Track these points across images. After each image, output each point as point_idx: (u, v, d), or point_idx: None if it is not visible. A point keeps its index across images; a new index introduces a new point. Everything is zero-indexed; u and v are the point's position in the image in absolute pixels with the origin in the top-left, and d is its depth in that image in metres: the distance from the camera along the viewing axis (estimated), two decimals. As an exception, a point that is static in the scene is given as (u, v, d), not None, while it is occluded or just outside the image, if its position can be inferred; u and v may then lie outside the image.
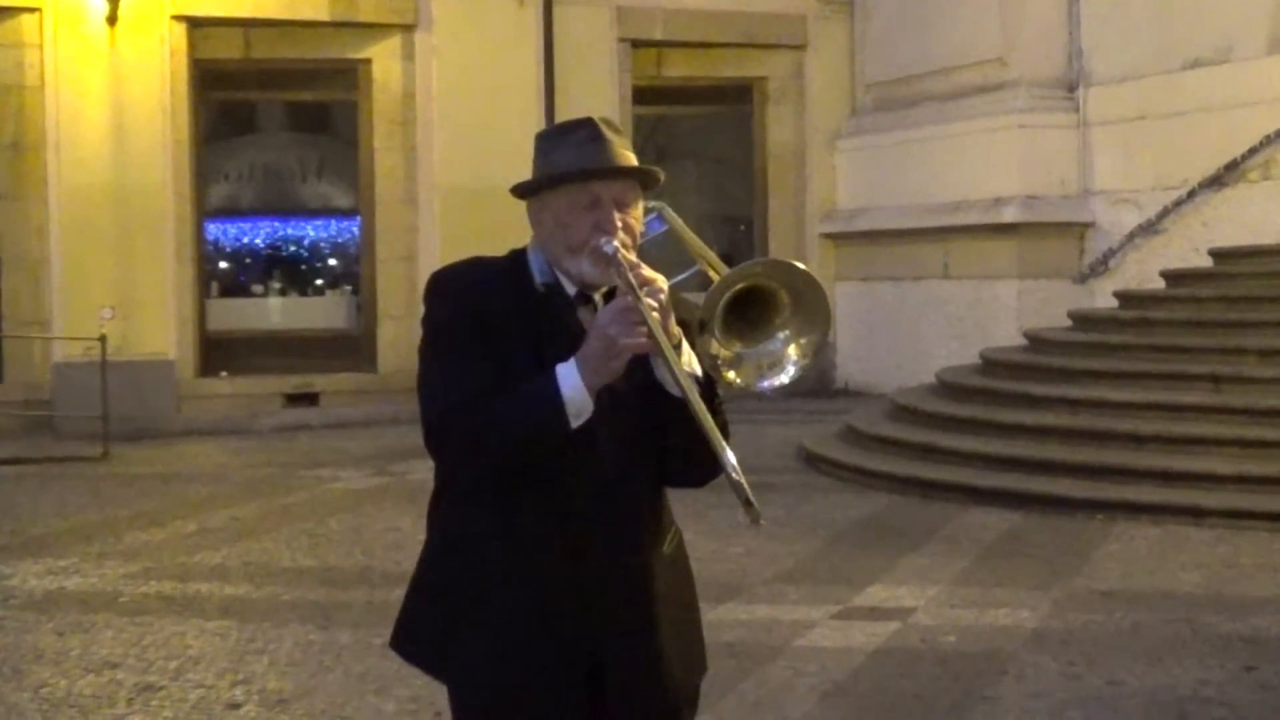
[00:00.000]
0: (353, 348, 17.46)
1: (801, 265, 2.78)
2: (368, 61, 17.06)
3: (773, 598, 8.00)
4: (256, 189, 20.00)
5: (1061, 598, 7.86)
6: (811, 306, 2.80)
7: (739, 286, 2.75)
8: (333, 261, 19.51)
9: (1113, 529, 9.57)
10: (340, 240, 19.16)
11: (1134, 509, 9.82)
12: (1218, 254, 13.47)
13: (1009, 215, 15.96)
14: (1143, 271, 14.93)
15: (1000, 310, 16.10)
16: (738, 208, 20.05)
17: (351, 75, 17.31)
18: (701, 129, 20.65)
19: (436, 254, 16.74)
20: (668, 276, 2.97)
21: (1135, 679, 6.45)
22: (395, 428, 15.29)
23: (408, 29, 16.89)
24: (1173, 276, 13.50)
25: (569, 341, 2.95)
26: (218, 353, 17.02)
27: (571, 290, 3.06)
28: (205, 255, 17.46)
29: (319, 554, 9.38)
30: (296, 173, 20.10)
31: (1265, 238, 13.38)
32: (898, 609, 7.65)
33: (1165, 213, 15.05)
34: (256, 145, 20.10)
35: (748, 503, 2.73)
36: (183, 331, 16.25)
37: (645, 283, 2.88)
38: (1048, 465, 10.69)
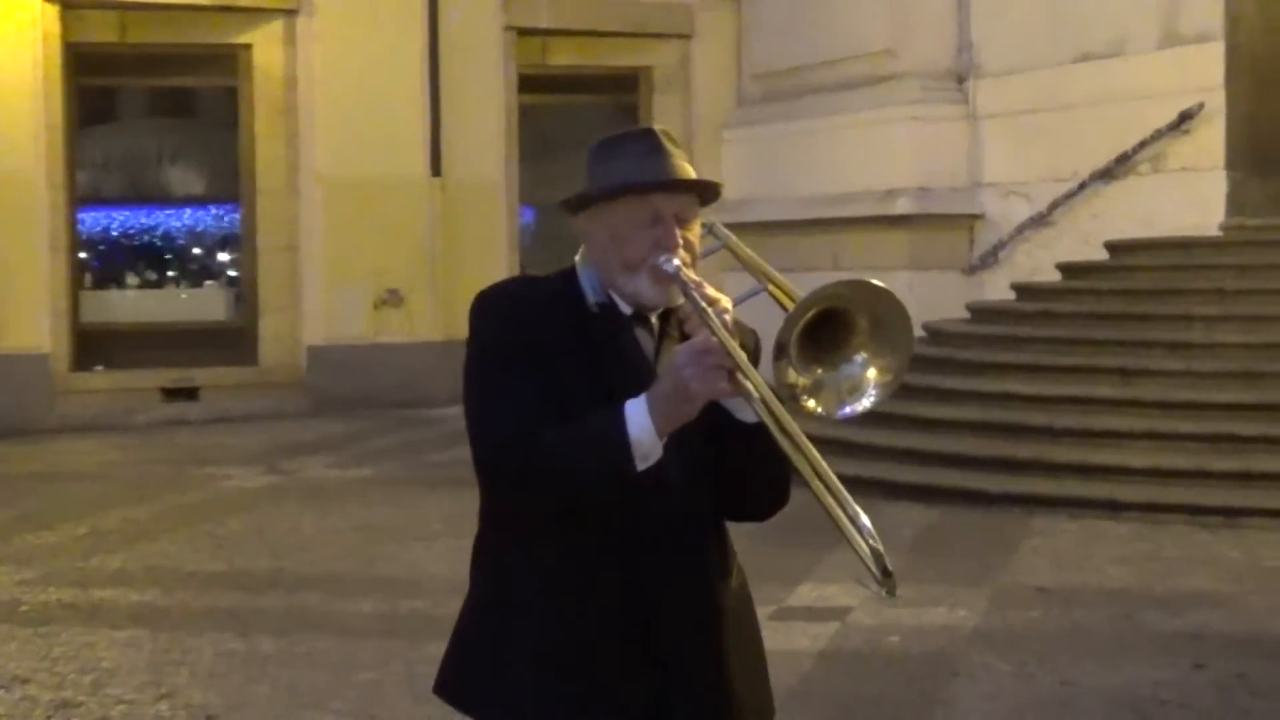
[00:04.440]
0: (233, 341, 16.89)
1: (882, 284, 2.53)
2: (248, 47, 16.51)
3: (705, 598, 7.80)
4: (131, 177, 19.33)
5: (996, 595, 7.77)
6: (892, 327, 2.56)
7: (815, 310, 2.52)
8: (210, 252, 18.92)
9: (1032, 523, 9.51)
10: (218, 230, 18.58)
11: (1051, 503, 9.77)
12: (1113, 246, 13.48)
13: (901, 207, 15.89)
14: (1032, 263, 14.93)
15: (891, 302, 16.01)
16: (625, 198, 19.82)
17: (232, 61, 16.75)
18: (588, 118, 20.34)
19: (319, 244, 16.35)
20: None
21: (1088, 679, 6.36)
22: (279, 423, 14.92)
23: (290, 14, 16.37)
24: (1069, 269, 13.50)
25: (627, 363, 2.76)
26: (92, 346, 16.38)
27: (627, 310, 2.83)
28: (78, 245, 16.84)
29: (224, 557, 8.99)
30: (172, 160, 19.50)
31: (1156, 230, 13.40)
32: (834, 608, 7.50)
33: (1055, 205, 15.03)
34: (131, 132, 19.43)
35: (885, 572, 2.45)
36: (56, 324, 15.60)
37: (710, 302, 2.68)
38: (962, 459, 10.58)
